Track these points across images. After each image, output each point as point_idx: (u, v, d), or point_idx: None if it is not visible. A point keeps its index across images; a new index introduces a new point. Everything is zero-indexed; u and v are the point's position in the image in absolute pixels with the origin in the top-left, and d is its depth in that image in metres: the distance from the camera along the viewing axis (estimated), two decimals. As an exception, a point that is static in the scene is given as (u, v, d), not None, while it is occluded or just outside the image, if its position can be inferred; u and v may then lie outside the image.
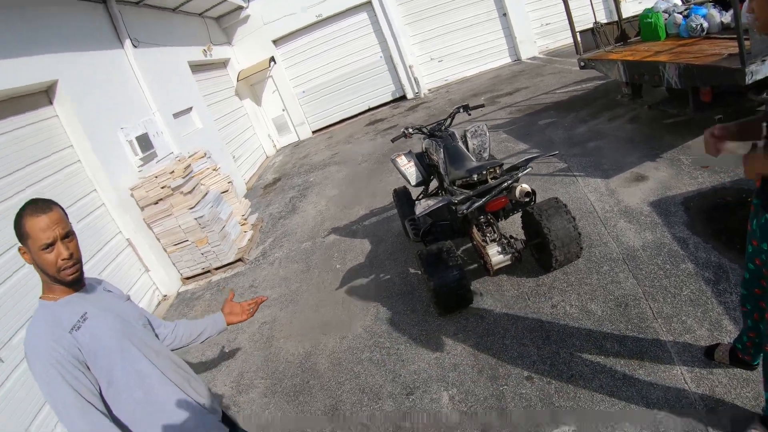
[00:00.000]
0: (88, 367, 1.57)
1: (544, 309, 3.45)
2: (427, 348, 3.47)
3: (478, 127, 4.59)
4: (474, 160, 4.07)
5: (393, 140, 4.94)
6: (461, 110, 4.77)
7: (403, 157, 4.72)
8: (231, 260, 6.12)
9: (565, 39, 12.70)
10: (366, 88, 12.91)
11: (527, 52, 12.90)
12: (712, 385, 2.47)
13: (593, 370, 2.83)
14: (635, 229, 3.97)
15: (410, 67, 12.02)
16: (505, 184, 3.31)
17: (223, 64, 12.02)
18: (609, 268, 3.64)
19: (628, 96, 6.28)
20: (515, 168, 3.44)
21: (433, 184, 4.88)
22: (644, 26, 6.48)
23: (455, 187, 3.75)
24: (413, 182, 4.69)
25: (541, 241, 3.60)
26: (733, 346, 2.51)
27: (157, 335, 1.95)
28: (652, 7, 6.41)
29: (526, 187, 3.38)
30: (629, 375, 2.71)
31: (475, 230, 3.79)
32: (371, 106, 13.02)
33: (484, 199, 3.30)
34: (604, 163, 5.34)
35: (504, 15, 12.65)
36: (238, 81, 12.06)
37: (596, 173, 5.15)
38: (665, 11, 6.31)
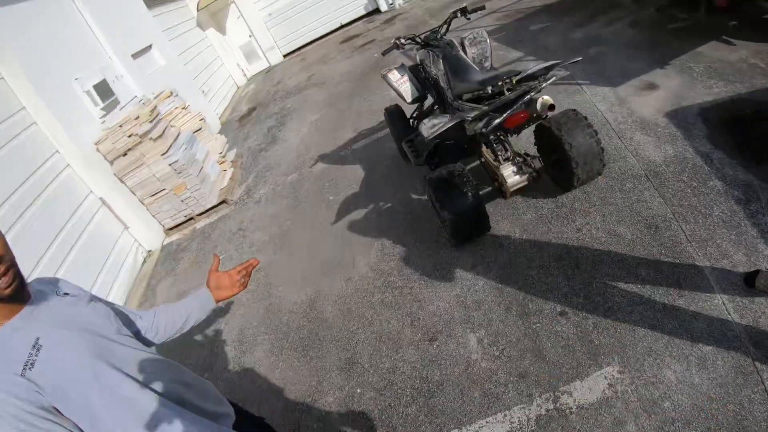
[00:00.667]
0: (59, 410, 1.16)
1: (569, 234, 3.16)
2: (445, 285, 3.19)
3: (478, 33, 4.07)
4: (479, 70, 3.62)
5: (384, 53, 4.39)
6: (458, 14, 4.21)
7: (395, 71, 4.22)
8: (214, 203, 5.67)
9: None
10: (337, 4, 11.86)
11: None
12: (755, 315, 2.29)
13: (631, 302, 2.60)
14: (654, 143, 3.65)
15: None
16: (528, 96, 2.88)
17: (180, -6, 10.85)
18: (632, 185, 3.35)
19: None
20: (532, 77, 3.00)
21: (428, 100, 4.43)
22: None
23: (462, 102, 3.33)
24: (409, 99, 4.23)
25: (560, 158, 3.25)
26: None
27: (136, 332, 1.56)
28: None
29: (548, 99, 2.94)
30: (669, 305, 2.49)
31: (485, 149, 3.42)
32: (343, 23, 12.06)
33: (504, 115, 2.87)
34: (609, 70, 4.91)
35: None
36: (198, 11, 10.97)
37: (602, 81, 4.74)
38: None
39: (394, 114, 4.62)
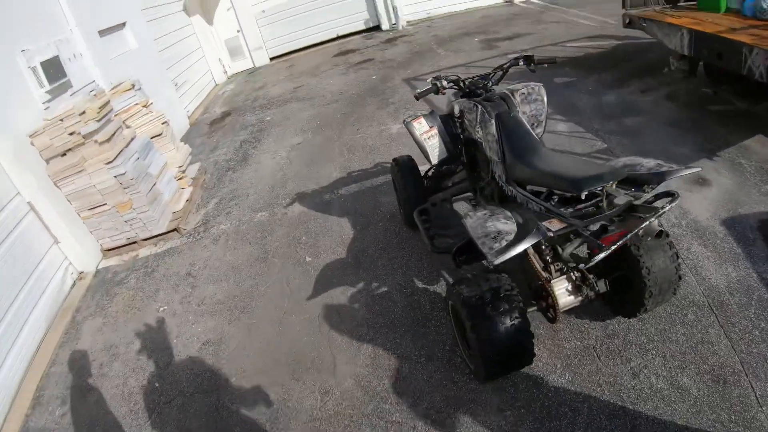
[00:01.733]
0: None
1: (623, 379, 2.44)
2: (460, 432, 2.36)
3: (534, 88, 3.18)
4: (552, 152, 2.82)
5: (418, 96, 3.44)
6: (521, 62, 3.34)
7: (422, 120, 3.34)
8: (163, 230, 4.70)
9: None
10: (336, 13, 10.97)
11: (523, -7, 11.46)
12: None
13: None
14: (714, 260, 3.04)
15: (391, -6, 10.25)
16: (641, 225, 2.08)
17: (171, -30, 9.78)
18: (695, 317, 2.69)
19: (683, 72, 5.16)
20: (636, 181, 2.21)
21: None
22: (704, -9, 5.29)
23: (521, 191, 2.56)
24: (435, 160, 3.38)
25: (629, 280, 2.50)
26: None
27: None
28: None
29: (656, 225, 2.17)
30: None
31: (532, 252, 2.61)
32: (340, 34, 11.18)
33: (611, 248, 2.04)
34: (651, 150, 4.30)
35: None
36: (188, -7, 9.96)
37: (647, 164, 4.12)
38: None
39: (405, 168, 3.77)
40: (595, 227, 2.32)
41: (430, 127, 3.33)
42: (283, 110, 7.79)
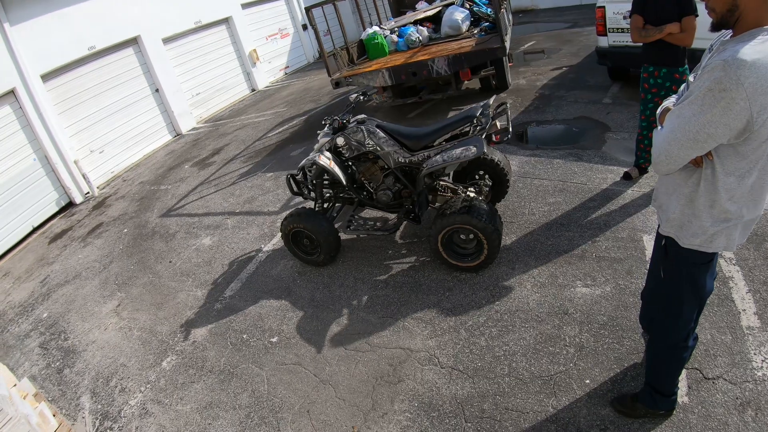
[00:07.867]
0: None
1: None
2: None
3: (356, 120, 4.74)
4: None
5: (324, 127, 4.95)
6: (362, 97, 5.25)
7: (323, 157, 4.55)
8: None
9: (217, 105, 13.27)
10: (24, 204, 9.43)
11: (186, 124, 12.67)
12: None
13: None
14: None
15: (76, 162, 9.92)
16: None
17: None
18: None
19: (388, 98, 7.53)
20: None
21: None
22: (372, 47, 7.87)
23: (429, 151, 4.29)
24: (344, 179, 4.62)
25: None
26: None
27: None
28: (374, 31, 7.88)
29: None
30: None
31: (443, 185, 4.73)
32: (35, 225, 9.78)
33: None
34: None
35: (156, 91, 12.03)
36: None
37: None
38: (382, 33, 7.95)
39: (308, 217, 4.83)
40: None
41: (330, 160, 4.52)
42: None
